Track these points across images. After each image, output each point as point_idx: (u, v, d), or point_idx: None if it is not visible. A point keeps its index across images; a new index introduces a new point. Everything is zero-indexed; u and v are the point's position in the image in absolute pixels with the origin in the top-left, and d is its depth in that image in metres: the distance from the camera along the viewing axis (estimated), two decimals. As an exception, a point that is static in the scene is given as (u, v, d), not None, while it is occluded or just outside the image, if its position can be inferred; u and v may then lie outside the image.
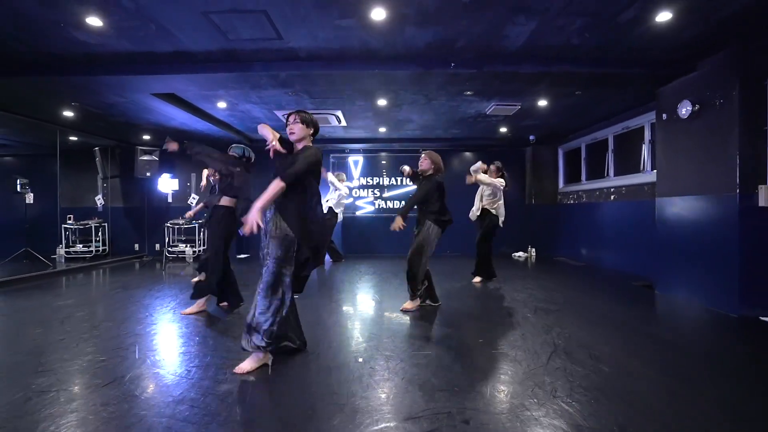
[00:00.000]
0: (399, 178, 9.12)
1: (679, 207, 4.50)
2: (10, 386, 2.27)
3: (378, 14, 3.23)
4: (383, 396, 2.17)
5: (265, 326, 2.41)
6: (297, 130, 2.52)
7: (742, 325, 3.53)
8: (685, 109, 4.29)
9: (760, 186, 3.69)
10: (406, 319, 3.71)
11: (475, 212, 5.40)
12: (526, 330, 3.34)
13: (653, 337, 3.20)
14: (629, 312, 4.00)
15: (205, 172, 5.55)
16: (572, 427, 1.84)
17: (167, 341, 3.17)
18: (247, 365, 2.46)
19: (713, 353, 2.94)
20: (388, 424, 1.88)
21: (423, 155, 3.95)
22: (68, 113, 5.99)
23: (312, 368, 2.56)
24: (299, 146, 2.56)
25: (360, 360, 2.70)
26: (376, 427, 1.85)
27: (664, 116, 4.71)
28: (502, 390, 2.25)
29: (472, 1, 3.05)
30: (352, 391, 2.22)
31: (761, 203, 3.68)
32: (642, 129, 6.05)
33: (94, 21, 3.25)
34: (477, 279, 5.44)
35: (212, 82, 4.60)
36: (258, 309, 2.43)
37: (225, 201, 3.80)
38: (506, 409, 2.03)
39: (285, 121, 2.59)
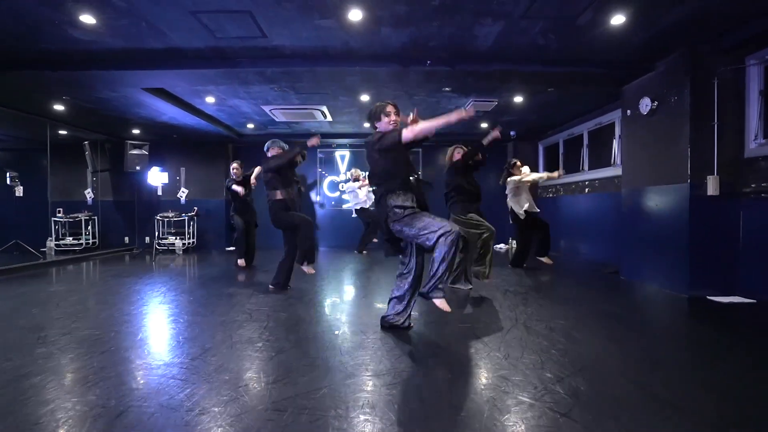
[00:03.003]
0: (385, 173, 9.35)
1: (640, 197, 4.83)
2: (15, 355, 2.50)
3: (355, 15, 3.47)
4: (358, 360, 2.44)
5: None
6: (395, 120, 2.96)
7: (691, 304, 3.86)
8: (645, 105, 4.61)
9: (708, 177, 4.02)
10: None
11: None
12: (493, 308, 3.63)
13: (606, 314, 3.51)
14: (591, 294, 4.32)
15: (234, 165, 6.27)
16: (506, 382, 2.12)
17: (158, 319, 3.40)
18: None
19: (654, 325, 3.27)
20: (357, 378, 2.15)
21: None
22: (59, 107, 6.14)
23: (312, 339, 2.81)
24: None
25: (336, 332, 2.96)
26: (349, 381, 2.12)
27: (628, 112, 5.03)
28: (460, 354, 2.53)
29: (440, 4, 3.31)
30: (327, 356, 2.48)
31: (709, 192, 4.01)
32: (613, 125, 6.38)
33: (87, 19, 3.44)
34: None
35: (201, 78, 4.80)
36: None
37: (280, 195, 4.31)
38: (460, 368, 2.31)
39: (382, 109, 2.99)
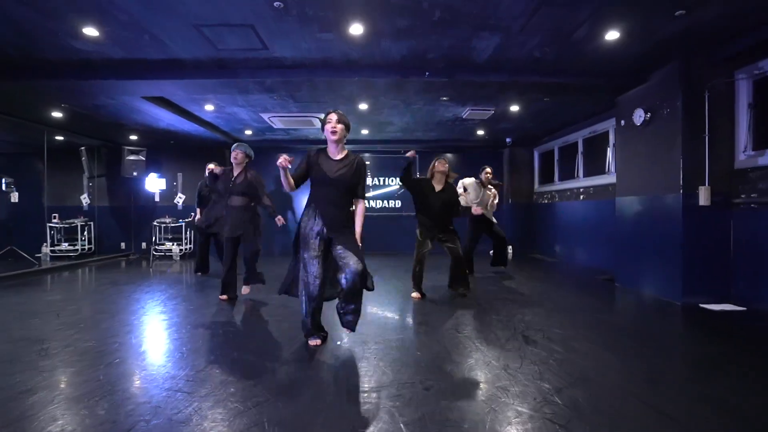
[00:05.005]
0: (382, 178, 9.43)
1: (634, 206, 4.92)
2: (18, 368, 2.51)
3: (356, 29, 3.53)
4: (360, 371, 2.48)
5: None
6: (339, 130, 2.81)
7: (684, 311, 3.94)
8: (638, 117, 4.71)
9: (700, 187, 4.12)
10: (388, 308, 4.03)
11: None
12: (491, 317, 3.69)
13: (603, 323, 3.59)
14: (587, 302, 4.39)
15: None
16: (506, 393, 2.17)
17: (160, 329, 3.42)
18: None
19: (650, 334, 3.33)
20: (362, 392, 2.19)
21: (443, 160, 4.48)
22: (57, 114, 6.13)
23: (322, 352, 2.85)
24: (340, 147, 2.88)
25: (338, 343, 3.00)
26: (352, 393, 2.16)
27: (622, 122, 5.13)
28: (460, 365, 2.58)
29: (439, 19, 3.38)
30: (334, 366, 2.52)
31: (701, 202, 4.11)
32: (607, 133, 6.49)
33: (90, 31, 3.47)
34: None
35: (201, 87, 4.83)
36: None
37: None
38: (459, 377, 2.37)
39: (324, 117, 2.85)
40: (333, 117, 2.83)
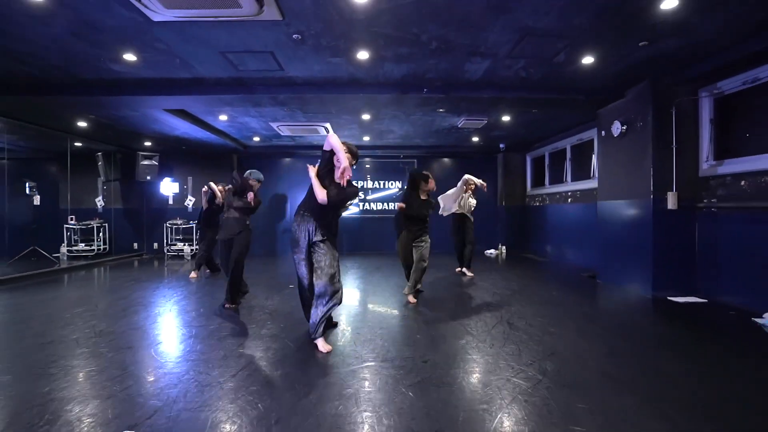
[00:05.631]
0: (382, 182, 9.93)
1: (613, 209, 5.42)
2: (80, 350, 2.99)
3: (362, 55, 4.02)
4: (367, 350, 2.97)
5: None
6: (343, 160, 2.85)
7: (654, 303, 4.44)
8: (616, 128, 5.21)
9: (668, 193, 4.62)
10: (390, 301, 4.51)
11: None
12: (481, 308, 4.18)
13: (580, 313, 4.08)
14: (569, 296, 4.89)
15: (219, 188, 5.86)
16: (490, 364, 2.66)
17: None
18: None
19: (617, 322, 3.82)
20: (369, 364, 2.68)
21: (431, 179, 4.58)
22: (82, 123, 6.60)
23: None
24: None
25: (343, 326, 3.49)
26: (360, 366, 2.64)
27: (603, 133, 5.63)
28: (453, 344, 3.07)
29: (436, 48, 3.87)
30: (344, 345, 3.01)
31: (669, 206, 4.61)
32: (592, 141, 6.98)
33: (129, 57, 3.95)
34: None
35: (219, 101, 5.30)
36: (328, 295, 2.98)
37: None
38: (452, 353, 2.86)
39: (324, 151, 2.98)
40: (353, 162, 3.04)
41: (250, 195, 4.33)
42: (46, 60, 4.04)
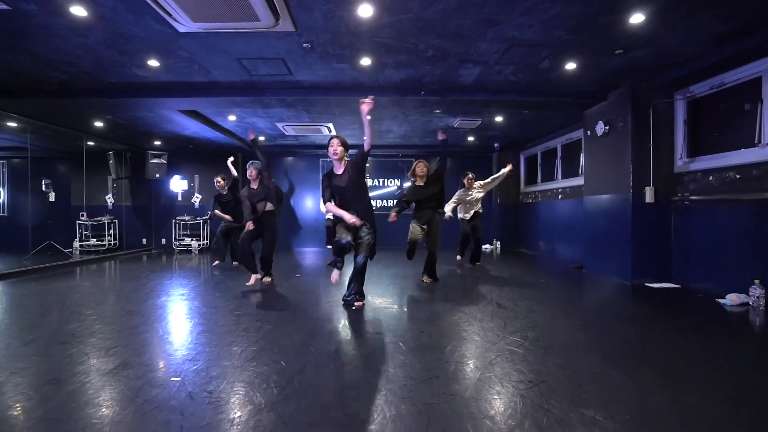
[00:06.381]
0: (383, 180, 10.33)
1: (597, 204, 5.84)
2: (114, 333, 3.38)
3: (365, 62, 4.42)
4: (372, 322, 3.37)
5: None
6: (340, 152, 3.64)
7: (632, 289, 4.85)
8: (600, 128, 5.62)
9: (646, 188, 5.03)
10: (391, 287, 4.92)
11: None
12: (473, 292, 4.59)
13: (563, 297, 4.49)
14: (555, 283, 5.30)
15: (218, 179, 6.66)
16: (478, 334, 3.07)
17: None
18: None
19: (597, 303, 4.24)
20: (376, 333, 3.08)
21: (421, 163, 4.99)
22: (99, 123, 6.98)
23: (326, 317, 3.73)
24: (342, 163, 3.70)
25: (351, 307, 3.89)
26: (365, 335, 3.04)
27: (588, 133, 6.04)
28: (447, 320, 3.47)
29: (432, 55, 4.27)
30: (350, 320, 3.41)
31: (647, 200, 5.02)
32: (581, 140, 7.39)
33: (153, 63, 4.34)
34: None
35: (230, 103, 5.70)
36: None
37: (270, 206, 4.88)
38: (446, 325, 3.26)
39: (328, 142, 3.70)
40: (335, 141, 3.71)
41: (269, 205, 4.86)
42: (78, 67, 4.42)
